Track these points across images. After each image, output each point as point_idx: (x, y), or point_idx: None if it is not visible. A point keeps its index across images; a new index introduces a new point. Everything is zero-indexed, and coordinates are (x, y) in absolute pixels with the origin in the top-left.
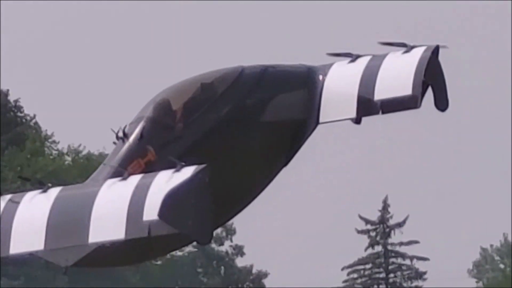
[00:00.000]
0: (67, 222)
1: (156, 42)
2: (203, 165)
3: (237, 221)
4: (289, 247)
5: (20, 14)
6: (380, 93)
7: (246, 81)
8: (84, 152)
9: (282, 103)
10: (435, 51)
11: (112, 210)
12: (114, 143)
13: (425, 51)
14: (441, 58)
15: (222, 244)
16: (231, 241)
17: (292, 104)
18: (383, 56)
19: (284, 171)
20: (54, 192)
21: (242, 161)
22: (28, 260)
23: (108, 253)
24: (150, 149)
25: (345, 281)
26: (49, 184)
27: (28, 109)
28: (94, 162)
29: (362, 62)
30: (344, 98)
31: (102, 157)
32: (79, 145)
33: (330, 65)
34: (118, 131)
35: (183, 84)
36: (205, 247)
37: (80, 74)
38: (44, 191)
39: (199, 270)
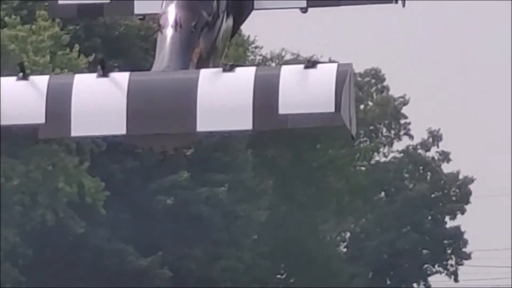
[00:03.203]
0: (158, 109)
1: None
2: (348, 65)
3: (444, 127)
4: (496, 154)
5: None
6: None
7: None
8: (287, 57)
9: None
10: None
11: (227, 101)
12: (160, 30)
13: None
14: None
15: (428, 150)
16: (438, 147)
17: None
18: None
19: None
20: (120, 76)
21: None
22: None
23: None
24: (200, 39)
25: None
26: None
27: None
28: None
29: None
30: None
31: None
32: (282, 50)
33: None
34: (157, 20)
35: None
36: (412, 152)
37: None
38: (104, 75)
39: (406, 175)
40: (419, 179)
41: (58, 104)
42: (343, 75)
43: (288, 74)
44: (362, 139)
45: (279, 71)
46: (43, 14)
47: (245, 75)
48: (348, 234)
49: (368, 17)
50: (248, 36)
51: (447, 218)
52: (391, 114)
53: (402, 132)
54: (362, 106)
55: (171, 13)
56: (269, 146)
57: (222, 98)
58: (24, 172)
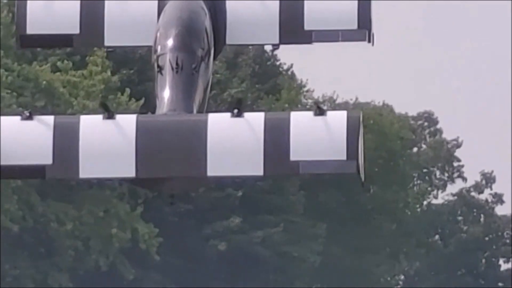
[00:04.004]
0: (167, 152)
1: None
2: (358, 112)
3: (497, 169)
4: None
5: None
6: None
7: None
8: (339, 101)
9: None
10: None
11: (237, 146)
12: (160, 72)
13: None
14: None
15: (482, 192)
16: (491, 189)
17: None
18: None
19: None
20: (127, 118)
21: None
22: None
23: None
24: (199, 80)
25: None
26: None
27: (284, 59)
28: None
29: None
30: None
31: (356, 105)
32: (333, 93)
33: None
34: (155, 61)
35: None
36: (465, 195)
37: None
38: (110, 117)
39: (459, 218)
40: (473, 221)
41: (66, 145)
42: (354, 123)
43: (298, 121)
44: (416, 182)
45: (288, 117)
46: (93, 60)
47: (255, 120)
48: (402, 277)
49: (419, 61)
50: (301, 80)
51: (501, 261)
52: (444, 157)
53: (455, 175)
54: (415, 149)
55: (171, 54)
56: (322, 189)
57: (233, 143)
58: (77, 217)
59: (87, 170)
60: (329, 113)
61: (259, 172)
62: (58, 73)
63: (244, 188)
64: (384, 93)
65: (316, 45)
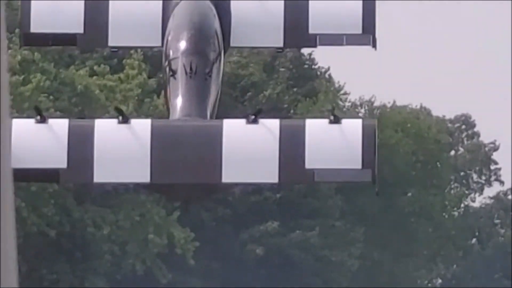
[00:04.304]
0: (182, 158)
1: None
2: (373, 121)
3: None
4: None
5: None
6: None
7: None
8: (377, 103)
9: None
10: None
11: (252, 153)
12: (173, 76)
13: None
14: None
15: None
16: None
17: None
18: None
19: None
20: (142, 123)
21: None
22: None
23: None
24: (212, 84)
25: None
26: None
27: (321, 62)
28: (390, 115)
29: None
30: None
31: (395, 110)
32: (371, 97)
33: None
34: (168, 65)
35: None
36: (503, 198)
37: None
38: (125, 122)
39: (496, 221)
40: (510, 225)
41: (81, 149)
42: (370, 131)
43: (314, 128)
44: (453, 185)
45: (304, 124)
46: (130, 63)
47: (270, 127)
48: (440, 281)
49: (457, 63)
50: (338, 83)
51: None
52: (481, 160)
53: (492, 178)
54: (452, 152)
55: (184, 58)
56: (359, 193)
57: (248, 150)
58: (114, 222)
59: (101, 174)
60: (344, 121)
61: (274, 179)
62: (94, 77)
63: (282, 192)
64: (422, 96)
65: (353, 47)
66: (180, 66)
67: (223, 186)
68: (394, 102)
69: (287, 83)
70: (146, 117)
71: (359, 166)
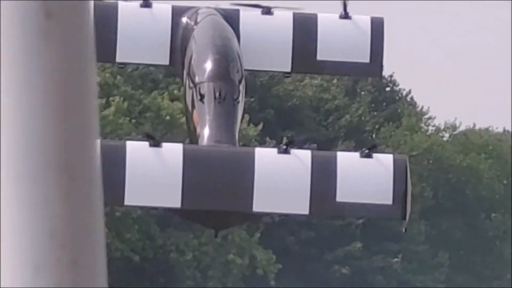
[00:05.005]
0: (214, 185)
1: None
2: (404, 156)
3: None
4: None
5: None
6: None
7: None
8: (461, 128)
9: None
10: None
11: (284, 183)
12: (201, 100)
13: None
14: None
15: None
16: None
17: None
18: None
19: None
20: (174, 147)
21: None
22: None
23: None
24: (239, 111)
25: None
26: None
27: (403, 84)
28: (472, 138)
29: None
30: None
31: (477, 133)
32: (455, 120)
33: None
34: (196, 89)
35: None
36: None
37: (447, 45)
38: (156, 145)
39: None
40: None
41: (112, 171)
42: (401, 167)
43: (345, 161)
44: None
45: (335, 156)
46: None
47: (302, 158)
48: None
49: None
50: (422, 107)
51: None
52: None
53: None
54: None
55: (213, 84)
56: (443, 217)
57: (280, 180)
58: (197, 247)
59: (132, 197)
60: (375, 155)
61: (305, 211)
62: (176, 102)
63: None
64: (504, 118)
65: (435, 72)
66: (208, 91)
67: (253, 215)
68: (474, 125)
69: (369, 107)
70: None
71: (390, 202)
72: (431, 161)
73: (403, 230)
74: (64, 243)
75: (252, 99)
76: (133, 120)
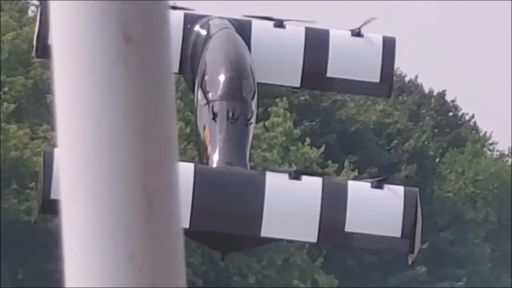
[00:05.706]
0: (223, 206)
1: None
2: (415, 189)
3: None
4: None
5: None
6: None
7: None
8: None
9: None
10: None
11: (293, 210)
12: (213, 119)
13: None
14: None
15: None
16: None
17: None
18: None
19: None
20: (185, 166)
21: None
22: None
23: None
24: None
25: None
26: None
27: (465, 108)
28: None
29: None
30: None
31: None
32: None
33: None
34: (209, 107)
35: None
36: None
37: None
38: None
39: None
40: None
41: None
42: (411, 200)
43: (356, 191)
44: None
45: (346, 185)
46: (275, 111)
47: (313, 186)
48: None
49: None
50: (485, 132)
51: None
52: None
53: None
54: None
55: (227, 103)
56: (507, 240)
57: (289, 206)
58: (259, 271)
59: None
60: (386, 186)
61: (313, 239)
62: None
63: (429, 241)
64: None
65: (496, 95)
66: (221, 110)
67: (262, 240)
68: None
69: (432, 131)
70: (291, 165)
71: (398, 235)
72: (495, 186)
73: (409, 263)
74: (143, 266)
75: (314, 123)
76: (191, 143)
